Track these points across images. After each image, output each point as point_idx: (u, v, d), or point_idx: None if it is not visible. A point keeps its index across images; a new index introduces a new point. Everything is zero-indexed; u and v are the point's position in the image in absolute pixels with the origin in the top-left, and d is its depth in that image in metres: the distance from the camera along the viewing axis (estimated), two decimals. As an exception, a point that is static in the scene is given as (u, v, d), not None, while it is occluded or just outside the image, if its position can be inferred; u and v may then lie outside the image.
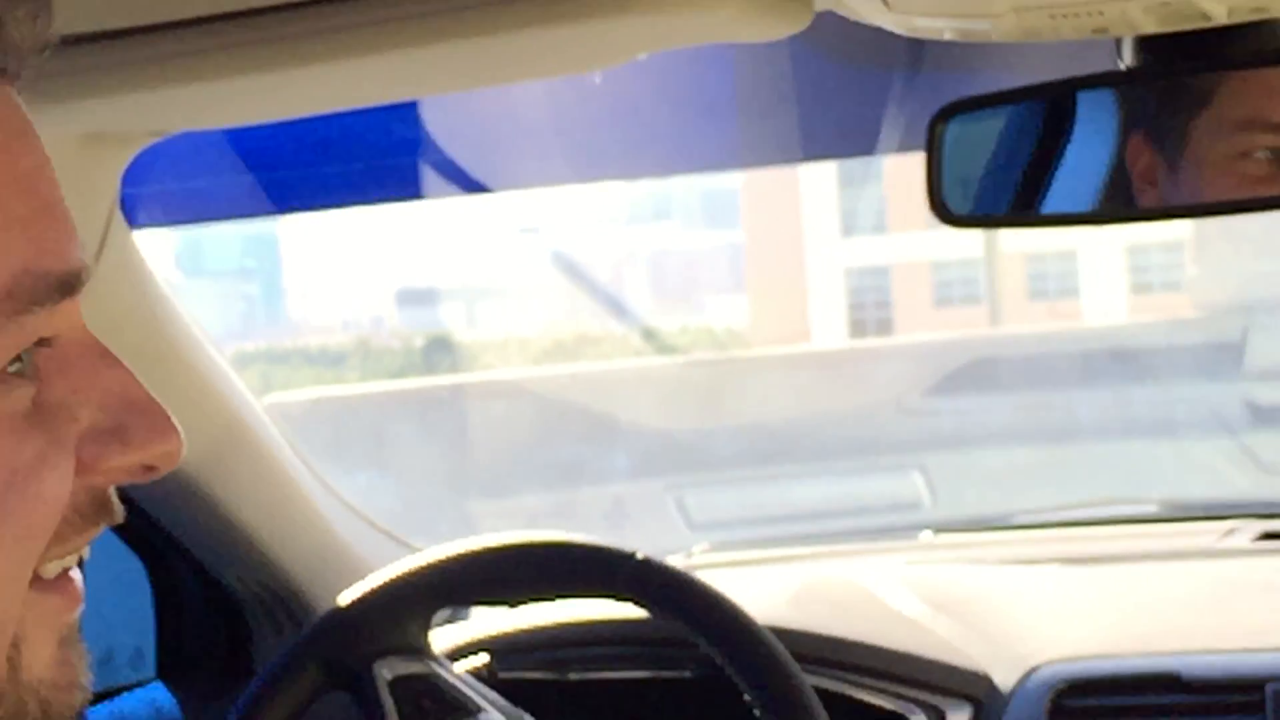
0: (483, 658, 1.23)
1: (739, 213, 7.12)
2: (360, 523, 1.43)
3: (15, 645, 0.50)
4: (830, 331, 6.85)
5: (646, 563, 1.05)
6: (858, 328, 7.01)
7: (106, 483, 0.54)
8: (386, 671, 1.08)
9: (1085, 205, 0.87)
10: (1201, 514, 1.70)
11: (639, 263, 6.99)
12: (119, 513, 0.54)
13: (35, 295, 0.48)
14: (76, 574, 0.54)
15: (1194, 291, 6.72)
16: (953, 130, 0.87)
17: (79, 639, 0.56)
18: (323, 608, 1.25)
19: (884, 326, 7.10)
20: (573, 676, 1.28)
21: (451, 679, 1.09)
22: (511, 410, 4.96)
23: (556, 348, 6.40)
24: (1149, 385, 5.16)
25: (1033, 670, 1.20)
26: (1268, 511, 1.59)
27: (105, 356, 0.54)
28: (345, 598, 1.10)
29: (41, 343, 0.50)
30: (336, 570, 1.33)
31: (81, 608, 0.55)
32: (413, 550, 1.38)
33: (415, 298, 6.74)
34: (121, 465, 0.53)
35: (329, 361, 6.36)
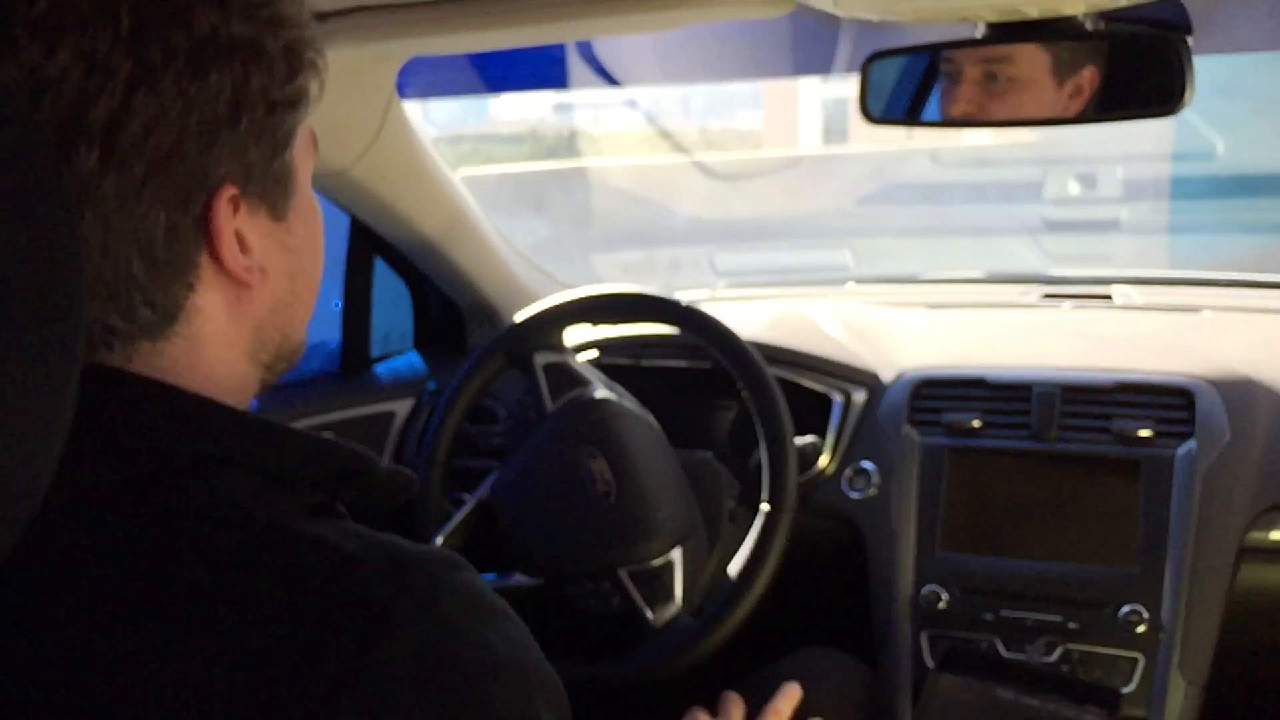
0: (593, 353, 1.60)
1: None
2: (527, 265, 1.79)
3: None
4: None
5: (690, 307, 1.39)
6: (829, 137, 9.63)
7: None
8: (541, 359, 1.40)
9: (939, 116, 1.23)
10: (1008, 279, 2.01)
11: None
12: None
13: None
14: None
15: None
16: (876, 66, 1.20)
17: None
18: (506, 316, 1.65)
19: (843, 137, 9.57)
20: (643, 363, 1.62)
21: (576, 365, 1.40)
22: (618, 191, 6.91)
23: (647, 139, 9.02)
24: (968, 204, 6.96)
25: (903, 372, 1.52)
26: (1048, 280, 1.96)
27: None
28: (519, 316, 1.44)
29: None
30: (514, 293, 1.71)
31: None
32: (559, 284, 1.72)
33: (563, 108, 9.97)
34: None
35: (513, 141, 9.96)
